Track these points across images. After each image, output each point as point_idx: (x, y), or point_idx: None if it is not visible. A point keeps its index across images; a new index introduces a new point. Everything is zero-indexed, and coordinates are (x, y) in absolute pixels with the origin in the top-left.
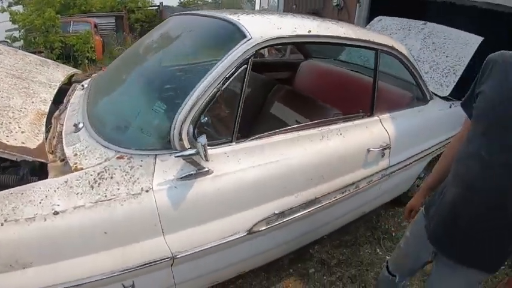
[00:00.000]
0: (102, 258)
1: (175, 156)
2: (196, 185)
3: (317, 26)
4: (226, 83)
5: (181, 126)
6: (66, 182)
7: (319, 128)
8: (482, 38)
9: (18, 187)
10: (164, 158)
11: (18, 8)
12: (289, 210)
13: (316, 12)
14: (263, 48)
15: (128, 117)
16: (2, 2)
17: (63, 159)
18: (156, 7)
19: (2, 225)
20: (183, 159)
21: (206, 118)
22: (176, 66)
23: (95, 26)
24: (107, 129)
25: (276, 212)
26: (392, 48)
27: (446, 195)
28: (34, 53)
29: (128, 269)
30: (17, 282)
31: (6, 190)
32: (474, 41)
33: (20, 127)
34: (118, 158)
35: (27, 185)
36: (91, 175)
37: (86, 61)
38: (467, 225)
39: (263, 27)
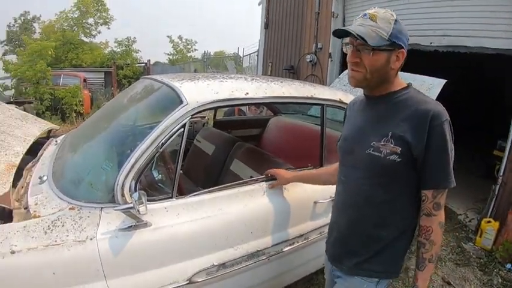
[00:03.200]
0: None
1: (115, 210)
2: (136, 236)
3: (255, 88)
4: (165, 145)
5: (123, 182)
6: (24, 226)
7: (260, 183)
8: (446, 81)
9: None
10: (109, 211)
11: (13, 57)
12: (230, 262)
13: (292, 68)
14: (199, 112)
15: (81, 173)
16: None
17: (26, 207)
18: (144, 64)
19: None
20: (123, 212)
21: (154, 174)
22: (126, 127)
23: (84, 81)
24: (64, 182)
25: (215, 263)
26: (339, 101)
27: (332, 219)
28: (24, 102)
29: None
30: None
31: None
32: (437, 83)
33: None
34: (70, 208)
35: None
36: (46, 222)
37: (74, 114)
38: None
39: (200, 92)
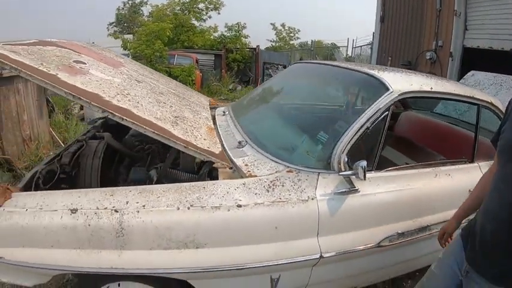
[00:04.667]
0: (264, 250)
1: (340, 175)
2: (347, 200)
3: (434, 83)
4: (373, 125)
5: (340, 154)
6: (244, 184)
7: (431, 167)
8: None
9: (198, 182)
10: (325, 176)
11: (129, 37)
12: (408, 232)
13: (409, 64)
14: (399, 100)
15: (294, 141)
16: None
17: (231, 167)
18: (253, 49)
19: (188, 208)
20: (344, 178)
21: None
22: (330, 106)
23: (196, 61)
24: (274, 148)
25: (399, 231)
26: (491, 104)
27: (477, 221)
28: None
29: (281, 263)
30: (188, 259)
31: (188, 183)
32: None
33: (201, 135)
34: (288, 171)
35: (207, 181)
36: (265, 181)
37: None
38: (492, 249)
39: (400, 82)
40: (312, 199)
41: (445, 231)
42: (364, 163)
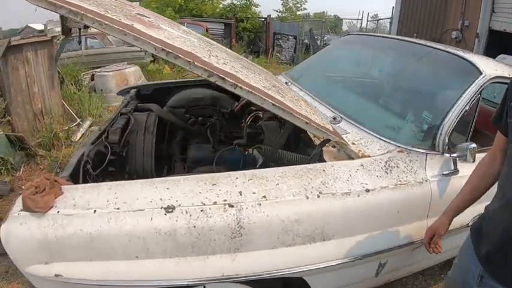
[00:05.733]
0: (381, 236)
1: (451, 156)
2: (451, 181)
3: (501, 68)
4: (469, 108)
5: (445, 135)
6: (361, 165)
7: None
8: None
9: (314, 164)
10: (431, 157)
11: (136, 4)
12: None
13: (432, 41)
14: (488, 83)
15: (398, 120)
16: None
17: (334, 146)
18: (263, 19)
19: (318, 197)
20: (450, 159)
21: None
22: (418, 84)
23: (206, 30)
24: (378, 126)
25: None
26: None
27: (495, 216)
28: None
29: (393, 247)
30: (314, 254)
31: (301, 165)
32: None
33: (306, 110)
34: (399, 151)
35: (324, 163)
36: (380, 162)
37: None
38: None
39: (489, 67)
40: (425, 181)
41: (433, 232)
42: (473, 145)
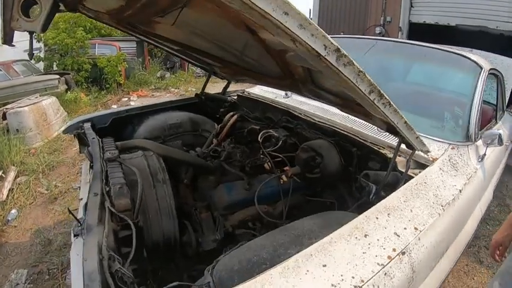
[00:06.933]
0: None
1: (486, 144)
2: (485, 164)
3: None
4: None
5: (474, 126)
6: (440, 169)
7: None
8: None
9: (414, 179)
10: (471, 148)
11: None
12: None
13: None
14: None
15: (439, 119)
16: None
17: (399, 155)
18: None
19: (443, 210)
20: (486, 145)
21: None
22: (433, 84)
23: (119, 50)
24: (425, 127)
25: None
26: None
27: None
28: (61, 74)
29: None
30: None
31: (408, 184)
32: None
33: None
34: (452, 148)
35: (420, 175)
36: (447, 162)
37: (114, 85)
38: None
39: (483, 62)
40: (476, 170)
41: (499, 245)
42: (500, 131)
